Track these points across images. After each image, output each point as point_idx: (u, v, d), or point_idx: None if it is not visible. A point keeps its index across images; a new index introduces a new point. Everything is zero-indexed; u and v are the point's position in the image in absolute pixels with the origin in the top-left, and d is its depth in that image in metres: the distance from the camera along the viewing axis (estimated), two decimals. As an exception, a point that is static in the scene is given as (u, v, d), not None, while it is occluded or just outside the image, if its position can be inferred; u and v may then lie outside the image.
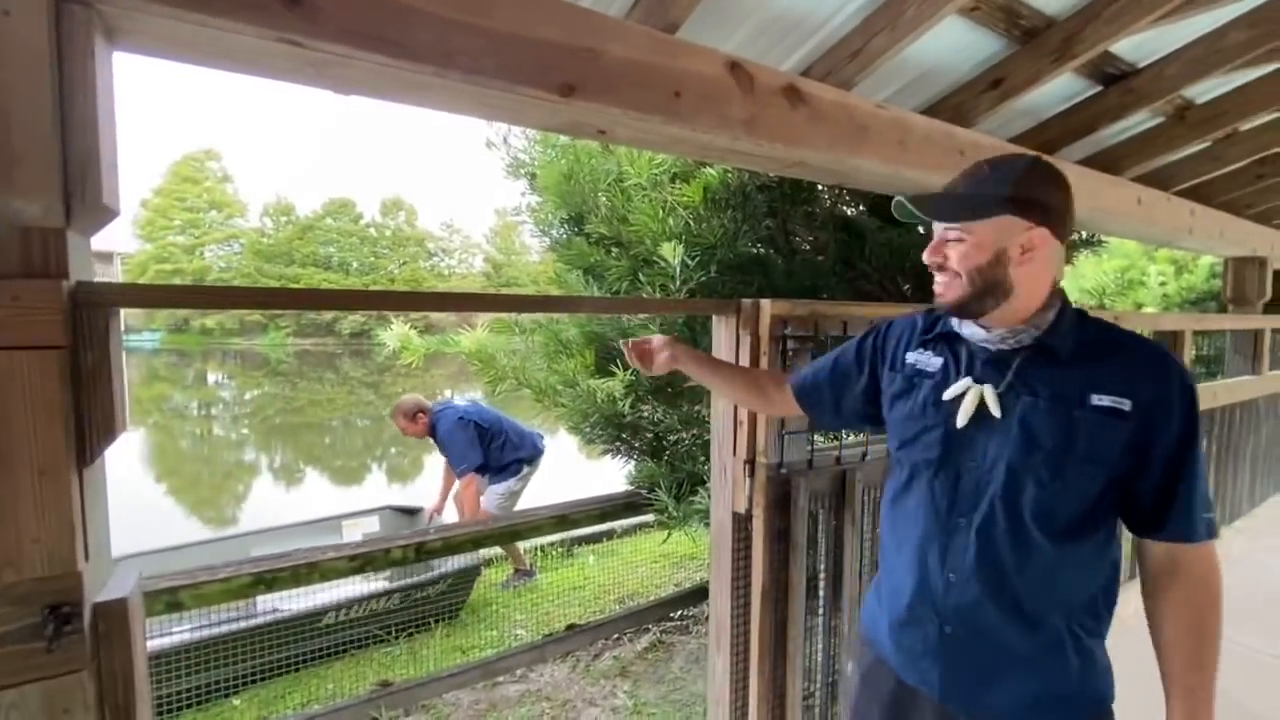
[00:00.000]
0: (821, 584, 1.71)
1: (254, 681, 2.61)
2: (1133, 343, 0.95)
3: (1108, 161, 2.64)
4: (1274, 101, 2.39)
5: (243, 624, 2.64)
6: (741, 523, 1.60)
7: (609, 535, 4.68)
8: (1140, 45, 2.07)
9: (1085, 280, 7.10)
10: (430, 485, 4.60)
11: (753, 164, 1.70)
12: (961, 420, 0.97)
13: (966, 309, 0.96)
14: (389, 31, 1.05)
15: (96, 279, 0.94)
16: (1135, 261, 6.76)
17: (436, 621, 3.11)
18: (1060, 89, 2.19)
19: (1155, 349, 0.95)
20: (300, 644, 2.73)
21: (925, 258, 0.98)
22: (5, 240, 0.83)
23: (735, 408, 1.57)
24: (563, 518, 2.71)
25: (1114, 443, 0.89)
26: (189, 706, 2.39)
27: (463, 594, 3.32)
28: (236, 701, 2.54)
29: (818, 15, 1.61)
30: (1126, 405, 0.88)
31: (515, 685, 2.67)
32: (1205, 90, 2.47)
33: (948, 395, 0.99)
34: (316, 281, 42.24)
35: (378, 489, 10.91)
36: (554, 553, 4.45)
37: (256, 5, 0.95)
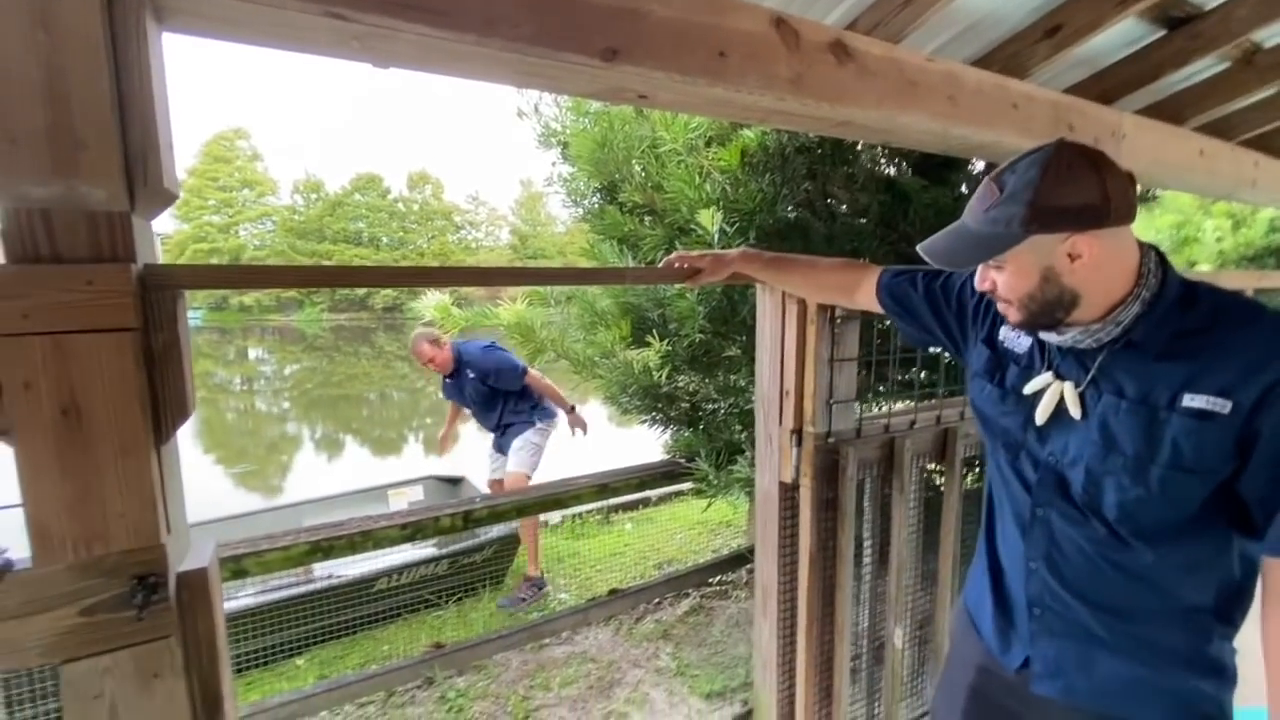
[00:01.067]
0: (868, 551, 1.71)
1: (315, 643, 2.74)
2: (1247, 322, 0.80)
3: (1170, 111, 2.48)
4: (1359, 38, 2.21)
5: (303, 589, 2.76)
6: (788, 491, 1.60)
7: (645, 503, 4.74)
8: (1212, -18, 1.92)
9: (1139, 235, 6.75)
10: (467, 456, 4.66)
11: (797, 124, 1.64)
12: (1041, 417, 0.92)
13: (1038, 325, 0.89)
14: (430, 1, 1.03)
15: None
16: (1190, 217, 6.41)
17: (483, 586, 3.21)
18: (1121, 35, 2.05)
19: (1276, 325, 0.79)
20: (356, 608, 2.85)
21: (977, 286, 0.92)
22: (74, 225, 0.85)
23: (781, 378, 1.55)
24: (603, 486, 2.75)
25: (1210, 448, 0.78)
26: (257, 667, 2.53)
27: (507, 560, 3.42)
28: (300, 662, 2.68)
29: (863, -36, 1.53)
30: (1225, 406, 0.77)
31: (561, 647, 2.75)
32: (1275, 34, 2.29)
33: (1028, 390, 0.94)
34: (348, 257, 42.97)
35: (415, 459, 11.24)
36: (591, 520, 4.53)
37: (298, -24, 0.94)
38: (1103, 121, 2.10)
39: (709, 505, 2.96)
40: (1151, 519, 0.84)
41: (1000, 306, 0.91)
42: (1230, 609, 0.89)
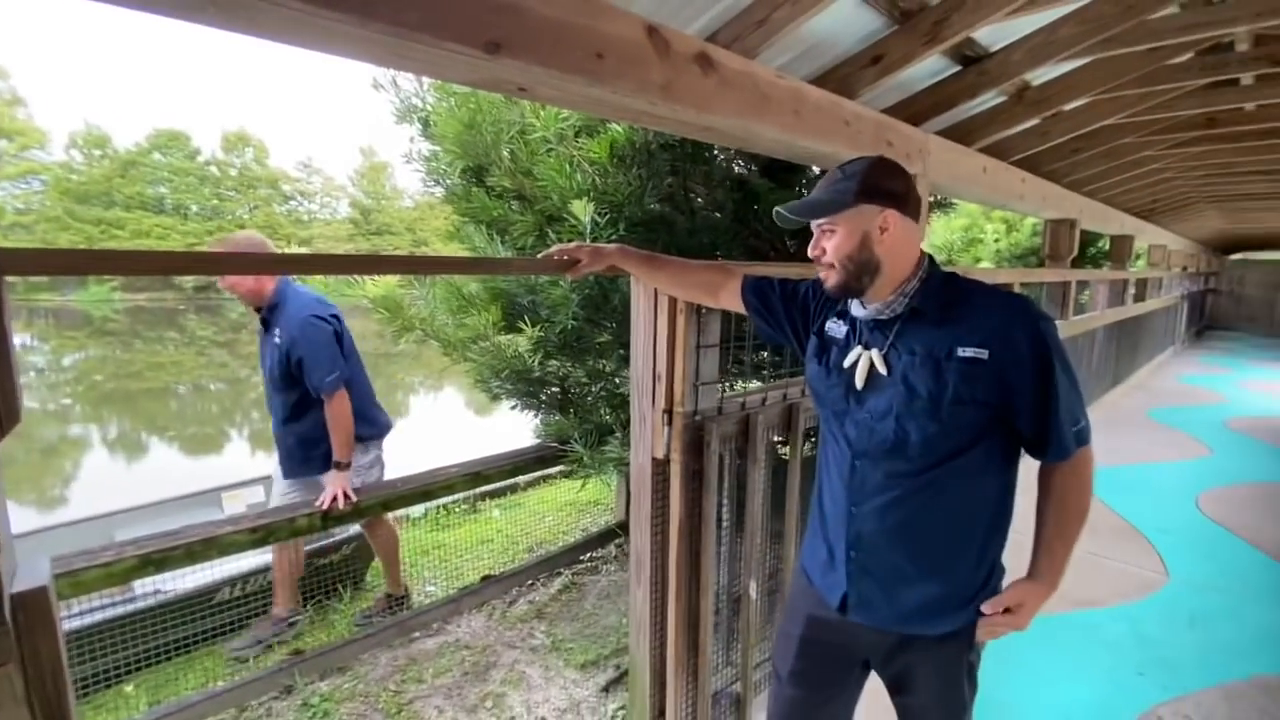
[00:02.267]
0: (727, 516, 1.90)
1: (147, 666, 2.44)
2: (989, 297, 1.11)
3: (961, 133, 2.97)
4: (1091, 87, 2.81)
5: (122, 609, 2.43)
6: (660, 466, 1.74)
7: (513, 489, 4.73)
8: (993, 32, 2.34)
9: (936, 238, 7.99)
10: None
11: (666, 126, 1.76)
12: (859, 381, 1.15)
13: (850, 290, 1.13)
14: (305, -25, 0.98)
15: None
16: (976, 221, 7.69)
17: (344, 585, 3.04)
18: (928, 67, 2.43)
19: (1008, 301, 1.09)
20: (195, 623, 2.57)
21: (810, 253, 1.16)
22: None
23: (654, 363, 1.68)
24: (476, 474, 2.73)
25: (979, 386, 1.05)
26: (78, 698, 2.19)
27: (366, 559, 3.26)
28: (129, 688, 2.37)
29: (725, -19, 1.68)
30: (985, 354, 1.05)
31: (432, 639, 2.71)
32: (1040, 75, 2.84)
33: (846, 362, 1.17)
34: (147, 226, 36.76)
35: (241, 458, 10.07)
36: (457, 510, 4.44)
37: (152, -64, 0.85)
38: (913, 140, 2.48)
39: (583, 485, 3.06)
40: (946, 448, 1.09)
41: (823, 273, 1.16)
42: (1000, 520, 1.17)
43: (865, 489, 1.16)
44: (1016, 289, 3.62)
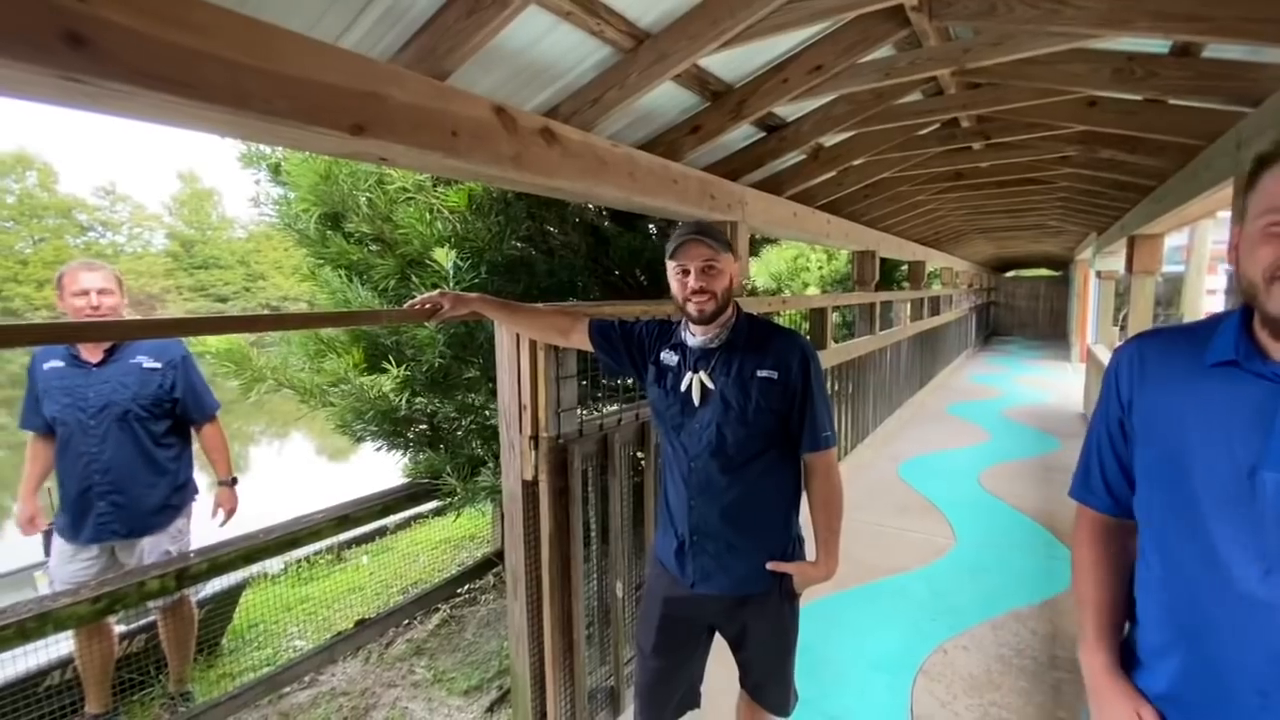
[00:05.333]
0: (594, 526, 2.14)
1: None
2: (777, 333, 1.50)
3: (773, 185, 3.53)
4: (866, 149, 3.49)
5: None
6: (530, 488, 1.94)
7: (381, 533, 4.60)
8: (786, 109, 2.88)
9: (770, 266, 9.00)
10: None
11: (520, 188, 2.00)
12: (694, 398, 1.46)
13: (713, 317, 1.44)
14: (181, 74, 1.10)
15: None
16: (803, 252, 8.76)
17: (199, 652, 2.83)
18: (740, 134, 2.91)
19: (789, 336, 1.50)
20: (17, 715, 2.29)
21: (694, 284, 1.41)
22: None
23: (520, 393, 1.89)
24: (344, 517, 2.72)
25: (773, 397, 1.42)
26: None
27: (223, 621, 3.06)
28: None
29: (560, 66, 1.97)
30: (776, 374, 1.42)
31: (305, 691, 2.64)
32: (829, 139, 3.47)
33: (682, 386, 1.48)
34: (-118, 266, 30.08)
35: (16, 538, 8.30)
36: (320, 561, 4.25)
37: (34, 44, 0.95)
38: (732, 193, 2.94)
39: (456, 518, 3.13)
40: (753, 448, 1.44)
41: (700, 300, 1.42)
42: (796, 499, 1.54)
43: (700, 484, 1.47)
44: (830, 310, 4.28)
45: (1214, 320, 0.89)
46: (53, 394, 2.35)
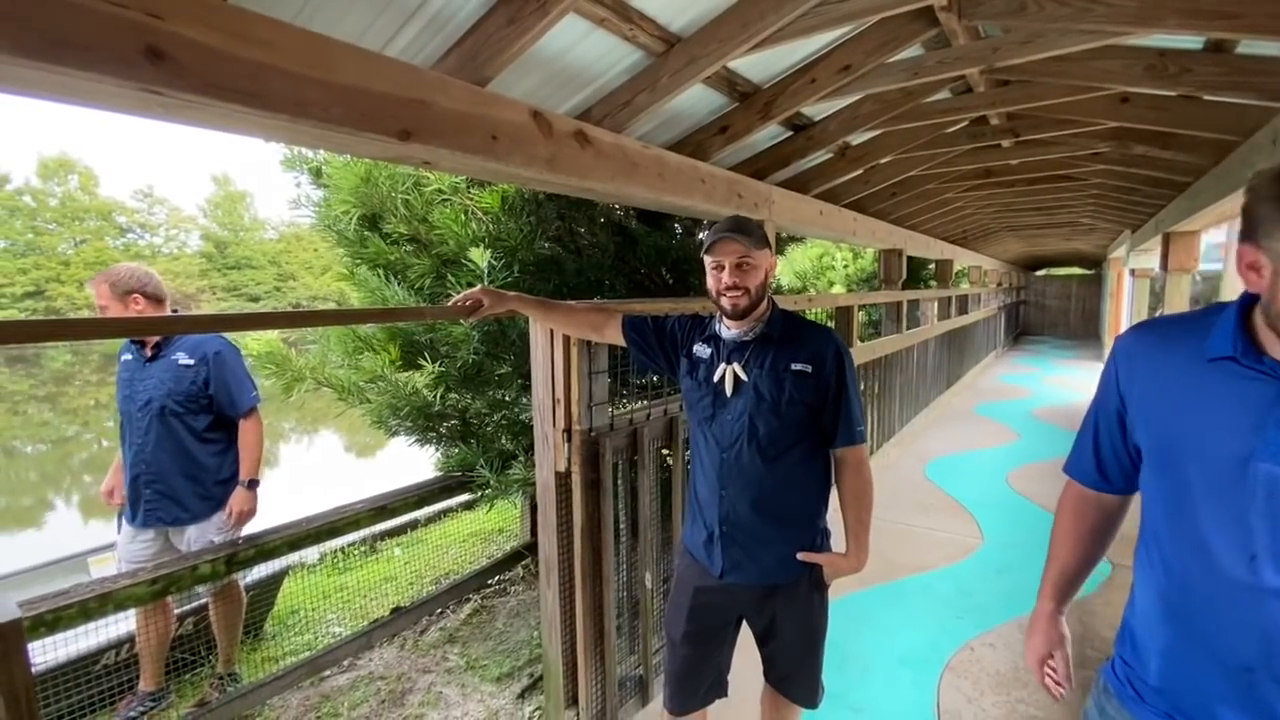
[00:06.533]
0: (624, 517, 2.20)
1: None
2: (811, 328, 1.54)
3: (799, 184, 3.55)
4: (893, 147, 3.49)
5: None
6: (562, 479, 2.00)
7: (413, 525, 4.72)
8: (813, 108, 2.90)
9: (795, 265, 8.96)
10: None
11: (553, 189, 2.07)
12: (726, 389, 1.50)
13: (748, 312, 1.49)
14: (248, 85, 1.18)
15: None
16: (828, 250, 8.71)
17: (245, 636, 2.96)
18: (768, 134, 2.94)
19: (823, 331, 1.53)
20: (69, 695, 2.42)
21: (727, 279, 1.45)
22: None
23: (554, 387, 1.95)
24: (381, 508, 2.81)
25: (806, 391, 1.45)
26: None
27: (266, 606, 3.19)
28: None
29: (594, 71, 2.03)
30: (810, 368, 1.46)
31: (344, 675, 2.75)
32: (856, 138, 3.48)
33: (715, 377, 1.52)
34: (-62, 268, 31.44)
35: (65, 530, 8.51)
36: (355, 552, 4.37)
37: (120, 59, 1.03)
38: (759, 192, 2.97)
39: (489, 510, 3.21)
40: (785, 440, 1.47)
41: (733, 296, 1.45)
42: (825, 492, 1.57)
43: (731, 476, 1.51)
44: (856, 309, 4.28)
45: (1212, 311, 0.90)
46: (120, 384, 2.54)
